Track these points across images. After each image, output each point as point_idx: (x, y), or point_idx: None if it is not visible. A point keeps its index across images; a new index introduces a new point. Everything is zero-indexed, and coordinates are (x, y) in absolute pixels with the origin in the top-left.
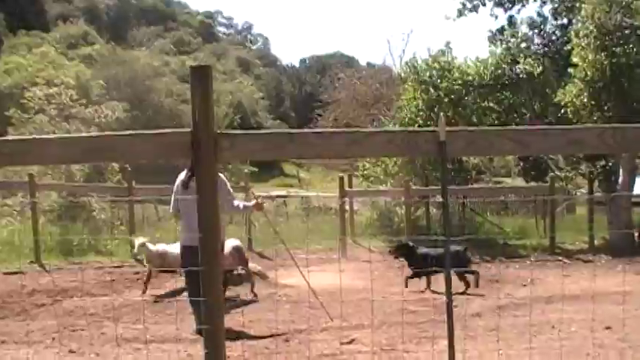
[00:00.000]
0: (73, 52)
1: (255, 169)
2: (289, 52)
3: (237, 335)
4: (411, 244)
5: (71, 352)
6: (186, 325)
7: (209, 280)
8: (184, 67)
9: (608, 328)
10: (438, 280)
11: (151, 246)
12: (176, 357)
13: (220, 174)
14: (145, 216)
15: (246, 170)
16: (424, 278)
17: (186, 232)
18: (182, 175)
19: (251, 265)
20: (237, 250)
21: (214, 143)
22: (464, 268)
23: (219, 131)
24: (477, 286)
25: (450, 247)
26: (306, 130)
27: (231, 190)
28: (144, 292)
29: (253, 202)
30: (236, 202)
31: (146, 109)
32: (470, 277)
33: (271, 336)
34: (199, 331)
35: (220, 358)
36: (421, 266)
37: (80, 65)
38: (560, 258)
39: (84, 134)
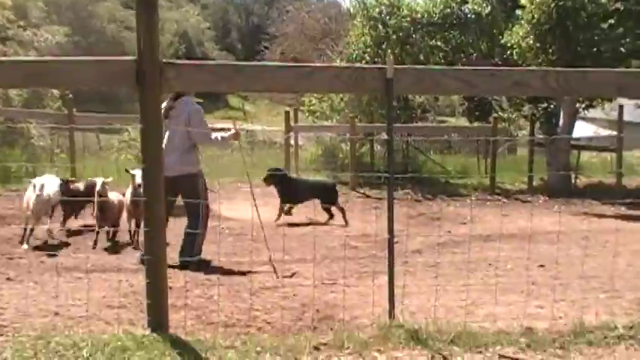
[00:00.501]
0: None
1: (200, 100)
2: None
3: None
4: (284, 172)
5: (8, 279)
6: (127, 256)
7: (153, 211)
8: None
9: (541, 266)
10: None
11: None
12: (117, 286)
13: (195, 102)
14: (86, 145)
15: None
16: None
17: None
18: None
19: None
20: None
21: (159, 73)
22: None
23: (164, 60)
24: (344, 222)
25: (322, 180)
26: (254, 63)
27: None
28: None
29: (231, 132)
30: (214, 135)
31: (88, 35)
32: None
33: (211, 267)
34: (142, 261)
35: (162, 288)
36: (293, 195)
37: None
38: (499, 198)
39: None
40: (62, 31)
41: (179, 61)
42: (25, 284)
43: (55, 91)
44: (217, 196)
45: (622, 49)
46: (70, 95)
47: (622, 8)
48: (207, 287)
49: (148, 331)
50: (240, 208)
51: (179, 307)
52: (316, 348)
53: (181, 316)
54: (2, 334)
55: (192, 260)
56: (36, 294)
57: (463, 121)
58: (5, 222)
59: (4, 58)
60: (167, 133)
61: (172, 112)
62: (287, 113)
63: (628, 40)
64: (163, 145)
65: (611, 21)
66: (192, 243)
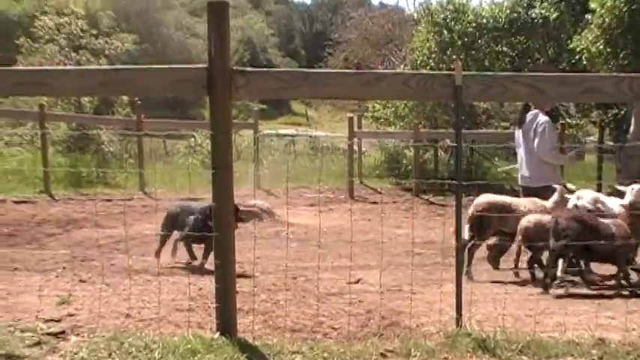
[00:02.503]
0: None
1: (264, 107)
2: None
3: (244, 271)
4: None
5: (82, 281)
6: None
7: (220, 216)
8: (194, 0)
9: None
10: None
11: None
12: (186, 290)
13: (544, 116)
14: (153, 149)
15: (255, 107)
16: None
17: (519, 172)
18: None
19: (259, 202)
20: None
21: (229, 80)
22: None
23: (234, 68)
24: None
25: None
26: (320, 69)
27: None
28: None
29: (571, 154)
30: (553, 153)
31: (155, 42)
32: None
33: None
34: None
35: (230, 292)
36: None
37: None
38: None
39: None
40: (131, 39)
41: (248, 69)
42: (98, 285)
43: (125, 98)
44: (282, 201)
45: None
46: (139, 102)
47: None
48: (273, 292)
49: (216, 335)
50: (304, 213)
51: (246, 311)
52: (383, 355)
53: (249, 320)
54: (78, 334)
55: None
56: (108, 296)
57: None
58: (77, 225)
59: (81, 67)
60: (523, 146)
61: (524, 125)
62: (350, 119)
63: None
64: (522, 158)
65: None
66: None
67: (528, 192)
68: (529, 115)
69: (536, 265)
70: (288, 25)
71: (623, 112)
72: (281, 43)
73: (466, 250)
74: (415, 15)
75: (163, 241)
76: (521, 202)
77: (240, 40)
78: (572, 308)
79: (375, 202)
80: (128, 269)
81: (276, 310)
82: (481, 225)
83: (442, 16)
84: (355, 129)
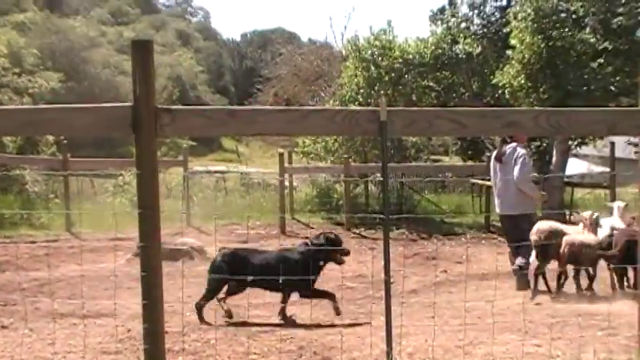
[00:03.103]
0: (3, 18)
1: (194, 143)
2: (230, 27)
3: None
4: None
5: (3, 327)
6: (123, 301)
7: (149, 257)
8: (122, 38)
9: (538, 304)
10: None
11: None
12: (114, 332)
13: (522, 149)
14: (79, 189)
15: (184, 144)
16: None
17: (497, 202)
18: (495, 152)
19: (189, 240)
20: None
21: (155, 118)
22: None
23: (159, 106)
24: None
25: None
26: (247, 107)
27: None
28: None
29: (541, 195)
30: (530, 184)
31: (82, 80)
32: None
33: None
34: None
35: (159, 332)
36: None
37: (12, 32)
38: (494, 236)
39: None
40: (56, 77)
41: (174, 107)
42: (21, 331)
43: (50, 137)
44: (213, 238)
45: (612, 88)
46: (65, 141)
47: (610, 47)
48: (204, 331)
49: None
50: None
51: (176, 351)
52: None
53: None
54: None
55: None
56: (31, 341)
57: (457, 160)
58: (0, 269)
59: (1, 107)
60: (499, 176)
61: (504, 158)
62: (281, 155)
63: (618, 78)
64: (498, 188)
65: (601, 60)
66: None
67: (508, 220)
68: (508, 148)
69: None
70: (217, 62)
71: (545, 144)
72: (211, 80)
73: (533, 274)
74: (343, 51)
75: None
76: (570, 229)
77: (169, 77)
78: (500, 337)
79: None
80: (53, 313)
81: (207, 350)
82: (546, 250)
83: (369, 52)
84: (286, 164)
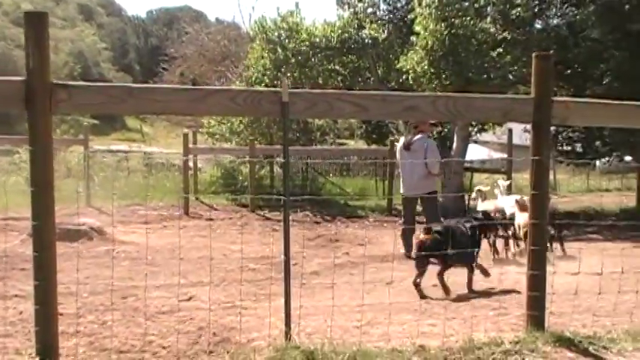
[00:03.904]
0: None
1: (96, 122)
2: (135, 3)
3: (71, 292)
4: None
5: None
6: (15, 282)
7: (42, 236)
8: (19, 9)
9: (435, 285)
10: None
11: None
12: (3, 314)
13: (429, 139)
14: None
15: (85, 122)
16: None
17: (403, 185)
18: (402, 140)
19: (88, 220)
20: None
21: (50, 94)
22: None
23: (55, 81)
24: None
25: None
26: (147, 85)
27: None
28: None
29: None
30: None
31: None
32: None
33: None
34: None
35: (51, 314)
36: None
37: None
38: (396, 219)
39: None
40: None
41: (71, 83)
42: None
43: None
44: (114, 219)
45: (510, 76)
46: None
47: (509, 37)
48: (100, 313)
49: None
50: (137, 231)
51: (71, 334)
52: None
53: (73, 343)
54: None
55: None
56: None
57: (361, 144)
58: None
59: None
60: (408, 162)
61: (413, 146)
62: (185, 135)
63: (516, 67)
64: (405, 172)
65: (500, 49)
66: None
67: (413, 200)
68: (416, 139)
69: None
70: (122, 39)
71: (447, 130)
72: (114, 58)
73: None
74: (250, 32)
75: None
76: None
77: (71, 53)
78: (397, 318)
79: (210, 219)
80: None
81: (103, 332)
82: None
83: (276, 34)
84: (190, 145)
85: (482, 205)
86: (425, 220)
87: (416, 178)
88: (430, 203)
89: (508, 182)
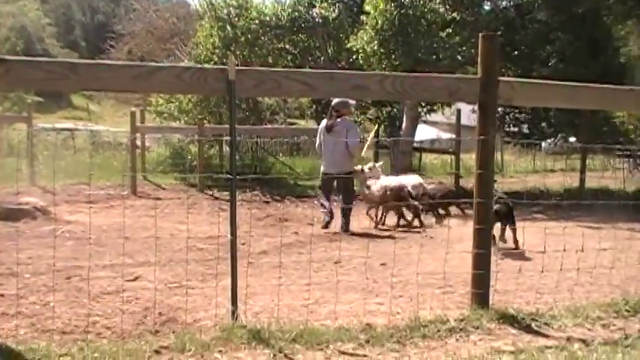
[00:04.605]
0: None
1: (41, 99)
2: None
3: (13, 273)
4: None
5: None
6: None
7: None
8: None
9: (383, 264)
10: None
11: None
12: None
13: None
14: None
15: (29, 100)
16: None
17: (324, 164)
18: (324, 122)
19: (32, 199)
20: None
21: None
22: None
23: None
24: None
25: None
26: (90, 61)
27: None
28: None
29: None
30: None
31: None
32: None
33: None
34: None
35: None
36: None
37: None
38: None
39: None
40: None
41: (9, 57)
42: None
43: None
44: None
45: (459, 57)
46: None
47: (458, 18)
48: (43, 293)
49: None
50: (83, 211)
51: (11, 315)
52: (157, 352)
53: (13, 325)
54: None
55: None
56: None
57: (312, 124)
58: None
59: None
60: (326, 143)
61: (335, 128)
62: (133, 114)
63: (464, 48)
64: (326, 152)
65: (449, 30)
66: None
67: (334, 178)
68: (338, 121)
69: None
70: (67, 14)
71: (396, 110)
72: (59, 34)
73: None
74: (199, 9)
75: None
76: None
77: (12, 28)
78: (345, 297)
79: (158, 198)
80: None
81: (46, 312)
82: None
83: (225, 11)
84: (138, 124)
85: (384, 180)
86: (342, 199)
87: (337, 157)
88: (347, 183)
89: (380, 163)
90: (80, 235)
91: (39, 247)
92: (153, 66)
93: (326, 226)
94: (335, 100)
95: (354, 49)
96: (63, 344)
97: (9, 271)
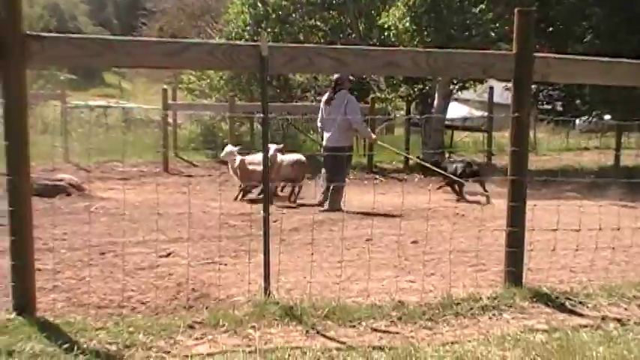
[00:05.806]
0: None
1: (74, 77)
2: None
3: (49, 248)
4: None
5: None
6: None
7: (17, 190)
8: None
9: (414, 242)
10: None
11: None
12: None
13: (350, 95)
14: None
15: (62, 77)
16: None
17: (325, 137)
18: (325, 96)
19: (66, 176)
20: (299, 163)
21: (22, 46)
22: None
23: (28, 32)
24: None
25: None
26: (123, 37)
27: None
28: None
29: (373, 137)
30: (363, 124)
31: None
32: None
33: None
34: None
35: (28, 269)
36: None
37: None
38: (376, 176)
39: None
40: None
41: (43, 34)
42: None
43: None
44: (90, 175)
45: (492, 34)
46: None
47: None
48: (79, 269)
49: (12, 315)
50: (116, 187)
51: (49, 289)
52: (191, 327)
53: (51, 298)
54: None
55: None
56: None
57: None
58: None
59: None
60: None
61: (333, 101)
62: (165, 91)
63: (497, 24)
64: (327, 125)
65: (482, 6)
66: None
67: (332, 151)
68: (337, 95)
69: None
70: None
71: (428, 88)
72: (92, 12)
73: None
74: None
75: None
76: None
77: (45, 6)
78: (377, 274)
79: (190, 175)
80: None
81: (82, 287)
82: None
83: None
84: (170, 101)
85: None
86: (327, 175)
87: (336, 129)
88: (340, 157)
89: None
90: (114, 211)
91: (74, 223)
92: (186, 42)
93: (321, 204)
94: (336, 75)
95: (386, 26)
96: (99, 318)
97: (45, 247)
